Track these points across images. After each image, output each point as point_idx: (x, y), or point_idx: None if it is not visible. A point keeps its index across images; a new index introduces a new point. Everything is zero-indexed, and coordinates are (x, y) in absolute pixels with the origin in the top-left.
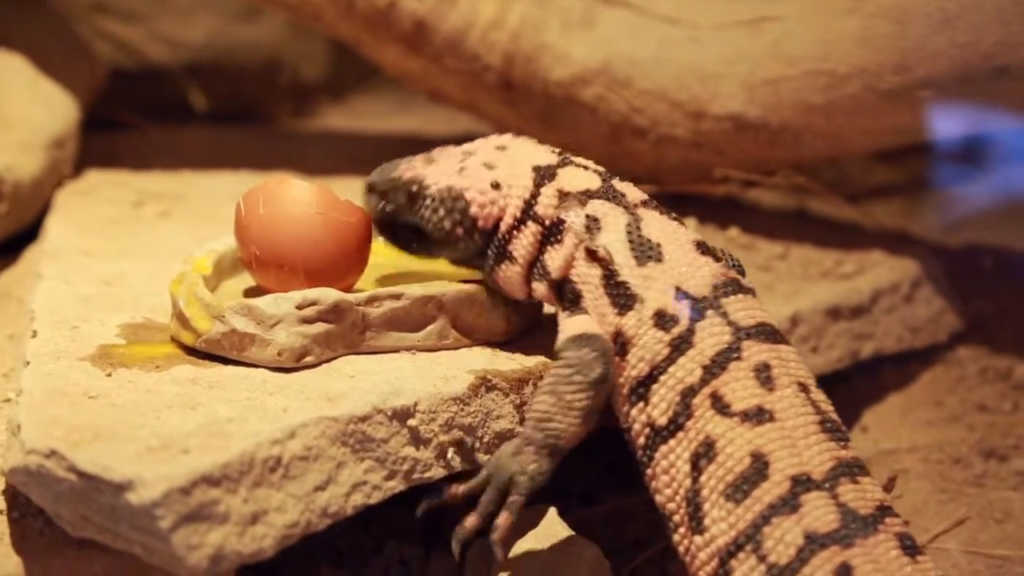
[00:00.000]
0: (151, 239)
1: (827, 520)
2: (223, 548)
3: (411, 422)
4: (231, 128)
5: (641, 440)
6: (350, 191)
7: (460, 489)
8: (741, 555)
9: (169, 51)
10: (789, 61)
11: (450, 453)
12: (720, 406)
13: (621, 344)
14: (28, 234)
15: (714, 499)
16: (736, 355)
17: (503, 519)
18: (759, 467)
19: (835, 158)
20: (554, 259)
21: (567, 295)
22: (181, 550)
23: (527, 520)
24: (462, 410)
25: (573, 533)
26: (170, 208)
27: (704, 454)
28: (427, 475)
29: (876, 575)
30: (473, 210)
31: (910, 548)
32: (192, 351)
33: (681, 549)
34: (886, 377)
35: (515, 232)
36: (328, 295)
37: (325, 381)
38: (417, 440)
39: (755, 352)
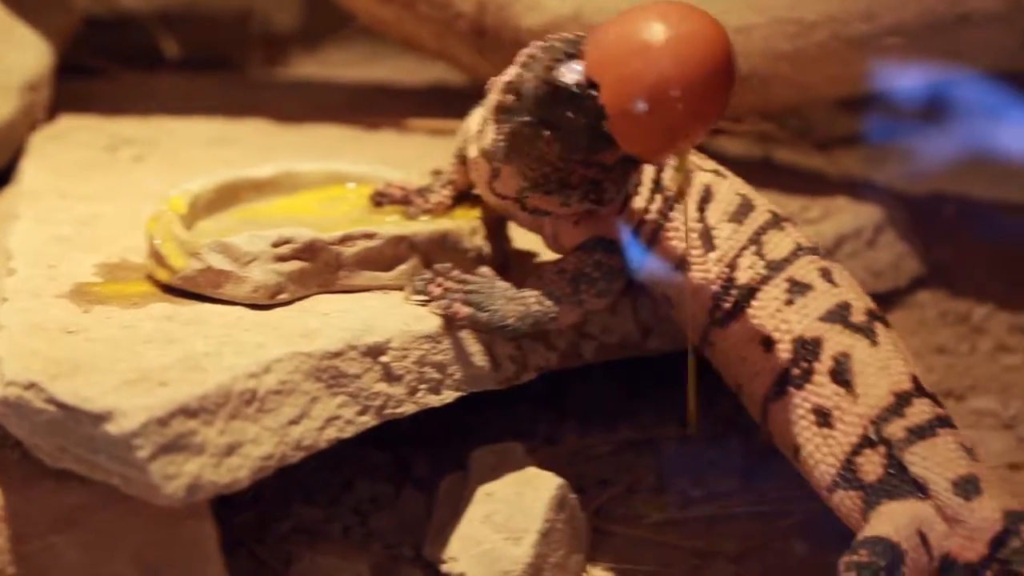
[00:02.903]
0: (126, 182)
1: (807, 240)
2: (199, 478)
3: (383, 358)
4: (203, 76)
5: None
6: (323, 138)
7: (439, 289)
8: (746, 253)
9: None
10: (758, 9)
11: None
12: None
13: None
14: (1, 178)
15: (721, 223)
16: None
17: (462, 309)
18: (746, 205)
19: (802, 106)
20: None
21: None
22: (158, 479)
23: (496, 457)
24: (434, 348)
25: (540, 470)
26: (143, 152)
27: (705, 198)
28: (399, 410)
29: (846, 278)
30: None
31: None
32: (168, 289)
33: (699, 274)
34: None
35: None
36: (303, 234)
37: (299, 318)
38: (389, 376)
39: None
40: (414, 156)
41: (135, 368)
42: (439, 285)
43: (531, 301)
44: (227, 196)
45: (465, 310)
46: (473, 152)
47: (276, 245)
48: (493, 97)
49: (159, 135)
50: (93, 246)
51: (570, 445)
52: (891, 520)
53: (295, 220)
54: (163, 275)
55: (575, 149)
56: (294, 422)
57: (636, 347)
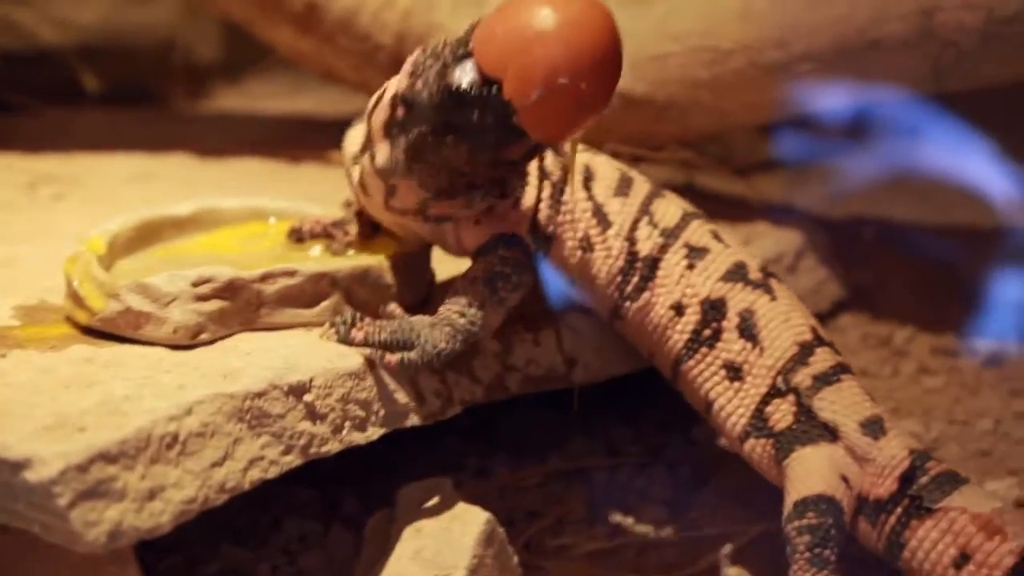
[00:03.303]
0: (45, 222)
1: (687, 205)
2: (121, 524)
3: (307, 397)
4: (125, 110)
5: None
6: (245, 172)
7: (361, 334)
8: (640, 224)
9: (61, 33)
10: (675, 37)
11: None
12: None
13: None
14: None
15: (610, 199)
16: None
17: (392, 358)
18: (626, 179)
19: (720, 133)
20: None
21: None
22: (79, 527)
23: (424, 492)
24: (357, 384)
25: (468, 504)
26: (64, 191)
27: (588, 177)
28: (324, 449)
29: (731, 237)
30: None
31: (716, 237)
32: (88, 331)
33: (603, 253)
34: None
35: None
36: (223, 273)
37: (222, 358)
38: (313, 415)
39: None
40: (335, 190)
41: (53, 413)
42: (360, 329)
43: (454, 318)
44: (147, 235)
45: (394, 359)
46: (356, 174)
47: (196, 284)
48: (380, 115)
49: (80, 172)
50: (11, 288)
51: (500, 478)
52: (817, 472)
53: (216, 258)
54: (82, 317)
55: (483, 149)
56: (217, 464)
57: (562, 379)
